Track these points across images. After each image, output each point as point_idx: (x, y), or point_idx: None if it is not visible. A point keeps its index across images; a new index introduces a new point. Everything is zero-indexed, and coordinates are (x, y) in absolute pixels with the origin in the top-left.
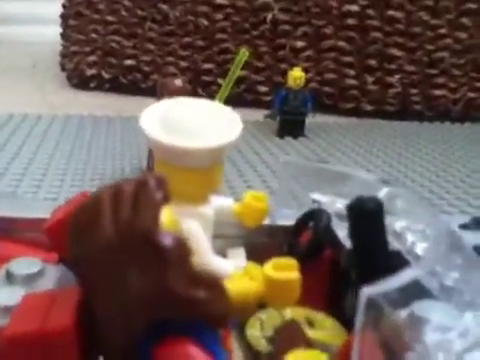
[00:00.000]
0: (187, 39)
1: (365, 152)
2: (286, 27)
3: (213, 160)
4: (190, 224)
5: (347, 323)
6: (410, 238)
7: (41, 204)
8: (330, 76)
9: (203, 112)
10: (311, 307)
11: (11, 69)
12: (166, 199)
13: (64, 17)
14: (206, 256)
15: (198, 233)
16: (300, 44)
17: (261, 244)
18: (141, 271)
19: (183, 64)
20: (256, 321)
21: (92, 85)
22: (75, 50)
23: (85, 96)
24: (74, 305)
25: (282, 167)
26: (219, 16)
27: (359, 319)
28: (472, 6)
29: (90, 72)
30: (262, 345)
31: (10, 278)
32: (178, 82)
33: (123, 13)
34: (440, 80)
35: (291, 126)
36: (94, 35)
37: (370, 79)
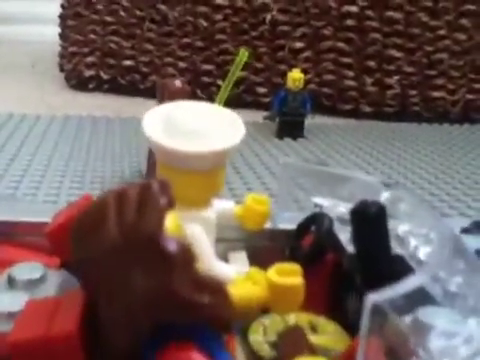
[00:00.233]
0: (186, 40)
1: (364, 153)
2: (285, 28)
3: (216, 163)
4: (194, 229)
5: (349, 327)
6: (413, 242)
7: (41, 207)
8: (329, 77)
9: (206, 115)
10: (313, 311)
11: (10, 68)
12: (170, 204)
13: (63, 17)
14: (209, 261)
15: (201, 238)
16: (299, 45)
17: (263, 248)
18: (145, 274)
19: (182, 65)
20: (259, 326)
21: (91, 86)
22: (73, 51)
23: (84, 97)
24: (78, 310)
25: (282, 169)
26: (218, 17)
27: (364, 325)
28: (471, 7)
29: (89, 73)
30: (265, 350)
31: (12, 283)
32: (178, 83)
33: (122, 14)
34: (439, 81)
35: (290, 127)
36: (93, 36)
37: (369, 80)
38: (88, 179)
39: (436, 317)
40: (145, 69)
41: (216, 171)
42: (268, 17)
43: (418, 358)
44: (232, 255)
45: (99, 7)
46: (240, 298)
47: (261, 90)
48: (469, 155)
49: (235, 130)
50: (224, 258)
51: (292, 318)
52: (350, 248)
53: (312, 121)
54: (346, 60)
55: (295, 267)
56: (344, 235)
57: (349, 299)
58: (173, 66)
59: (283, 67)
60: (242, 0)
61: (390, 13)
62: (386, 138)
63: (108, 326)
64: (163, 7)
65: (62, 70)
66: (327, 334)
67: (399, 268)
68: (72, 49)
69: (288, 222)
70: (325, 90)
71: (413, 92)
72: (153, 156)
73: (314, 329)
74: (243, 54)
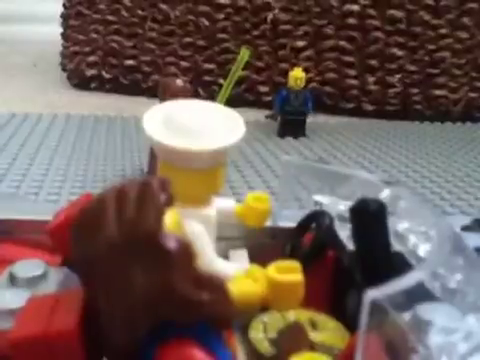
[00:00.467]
0: (188, 39)
1: (366, 152)
2: (287, 27)
3: (216, 162)
4: (194, 226)
5: (349, 324)
6: (413, 239)
7: (43, 206)
8: (331, 76)
9: (206, 114)
10: (313, 308)
11: (12, 68)
12: (170, 201)
13: (64, 17)
14: (209, 258)
15: (202, 236)
16: (301, 44)
17: (263, 245)
18: (145, 272)
19: (184, 64)
20: (259, 323)
21: (93, 85)
22: (75, 50)
23: (86, 96)
24: (78, 307)
25: (283, 167)
26: (220, 16)
27: (363, 322)
28: (473, 6)
29: (90, 72)
30: (265, 348)
31: (13, 281)
32: (179, 82)
33: (123, 13)
34: (441, 80)
35: (292, 126)
36: (94, 35)
37: (371, 79)
38: (90, 178)
39: (435, 314)
40: (147, 68)
41: (217, 169)
42: (270, 16)
43: (417, 354)
44: (233, 253)
45: (101, 6)
46: (240, 295)
47: (263, 89)
48: (471, 153)
49: (236, 128)
50: (225, 256)
51: (292, 315)
52: (350, 245)
53: (314, 120)
54: (348, 59)
55: (295, 264)
56: (344, 233)
57: (349, 296)
58: (175, 65)
59: (285, 66)
60: None
61: (392, 12)
62: (388, 137)
63: (108, 323)
64: (165, 6)
65: (64, 69)
66: (327, 331)
67: (399, 265)
68: (74, 48)
69: (288, 220)
70: (327, 89)
71: (415, 91)
72: (154, 155)
73: (314, 326)
74: (244, 53)
